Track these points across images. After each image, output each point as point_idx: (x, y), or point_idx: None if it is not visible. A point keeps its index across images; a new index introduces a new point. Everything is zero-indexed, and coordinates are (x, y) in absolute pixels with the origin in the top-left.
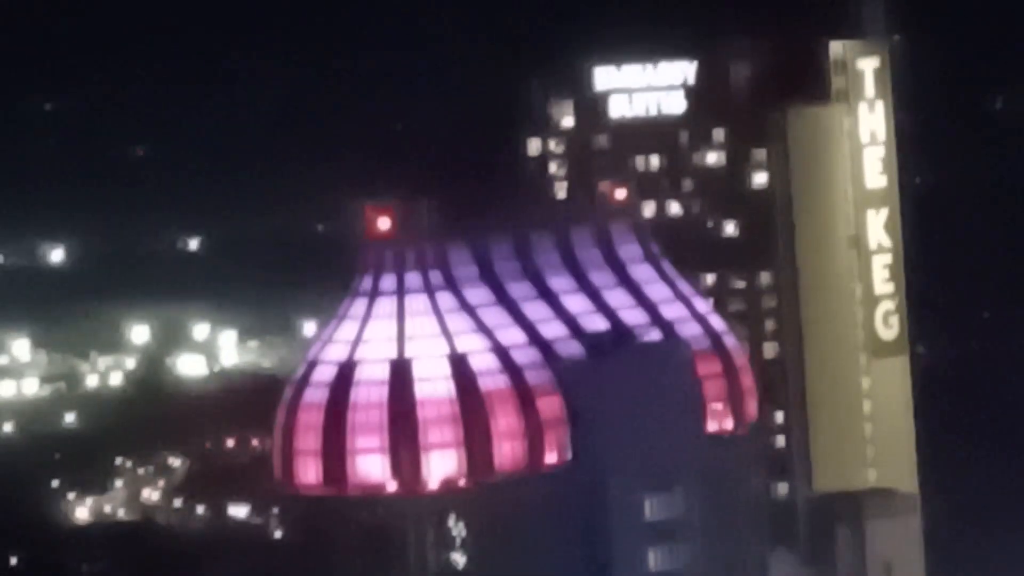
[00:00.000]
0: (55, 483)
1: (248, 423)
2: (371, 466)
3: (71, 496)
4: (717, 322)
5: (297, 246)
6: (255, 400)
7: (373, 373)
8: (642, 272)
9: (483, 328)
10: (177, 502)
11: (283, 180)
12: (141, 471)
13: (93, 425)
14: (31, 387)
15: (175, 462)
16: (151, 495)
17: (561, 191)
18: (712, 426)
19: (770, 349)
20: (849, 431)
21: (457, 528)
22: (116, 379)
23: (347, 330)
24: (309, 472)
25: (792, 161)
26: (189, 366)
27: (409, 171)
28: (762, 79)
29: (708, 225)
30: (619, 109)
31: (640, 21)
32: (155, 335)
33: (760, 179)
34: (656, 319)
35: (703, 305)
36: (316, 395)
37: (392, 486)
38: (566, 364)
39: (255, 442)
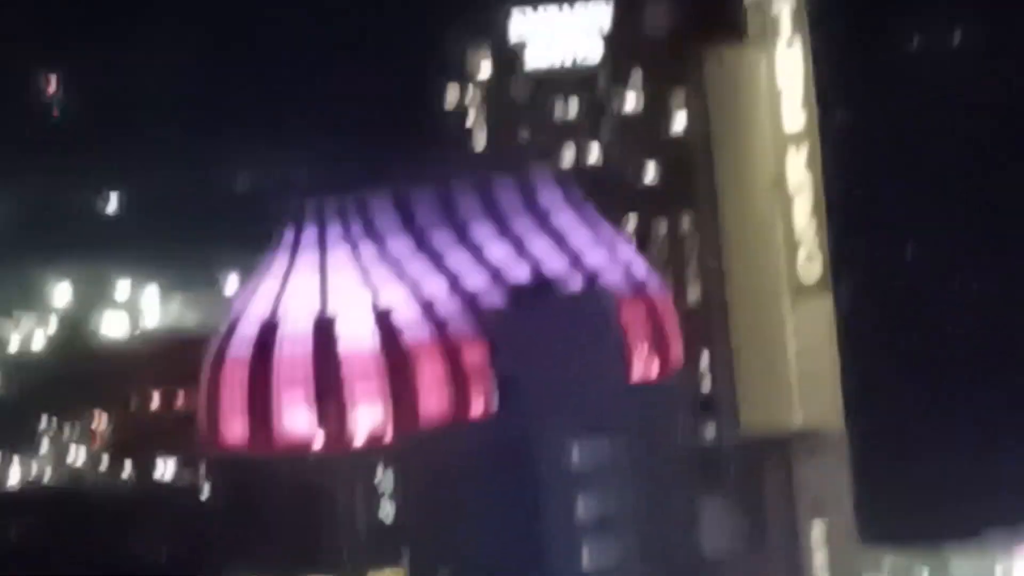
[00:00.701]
0: None
1: (173, 381)
2: (297, 423)
3: None
4: (640, 267)
5: (218, 201)
6: (179, 358)
7: (297, 328)
8: (565, 219)
9: (406, 279)
10: (103, 463)
11: (203, 134)
12: (66, 433)
13: (17, 387)
14: None
15: (100, 423)
16: (77, 457)
17: (481, 140)
18: (638, 372)
19: (694, 293)
20: (774, 373)
21: (386, 482)
22: (39, 340)
23: (270, 285)
24: (235, 430)
25: (711, 103)
26: (112, 325)
27: (329, 122)
28: (679, 21)
29: (629, 170)
30: (536, 54)
31: None
32: (77, 294)
33: (680, 123)
34: (579, 266)
35: (626, 251)
36: (240, 352)
37: (319, 442)
38: (490, 314)
39: (180, 400)
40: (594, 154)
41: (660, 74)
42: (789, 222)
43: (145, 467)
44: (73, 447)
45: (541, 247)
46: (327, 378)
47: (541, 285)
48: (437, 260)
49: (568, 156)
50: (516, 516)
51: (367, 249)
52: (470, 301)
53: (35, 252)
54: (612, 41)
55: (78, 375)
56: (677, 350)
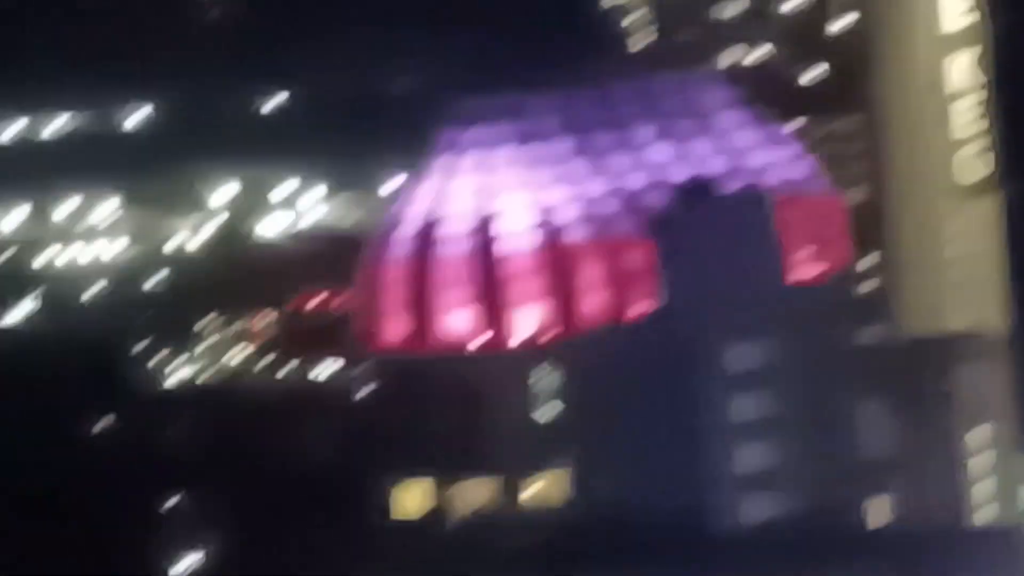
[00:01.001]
0: (141, 346)
1: (333, 281)
2: (456, 322)
3: (157, 358)
4: (802, 168)
5: (378, 101)
6: (338, 258)
7: (458, 228)
8: (726, 120)
9: (566, 180)
10: (263, 361)
11: (364, 34)
12: (227, 331)
13: (178, 287)
14: (117, 248)
15: (260, 322)
16: (237, 355)
17: (642, 40)
18: (799, 273)
19: (856, 194)
20: (936, 275)
21: (545, 384)
22: (199, 240)
23: (431, 185)
24: (394, 330)
25: (876, 2)
26: (271, 225)
27: (490, 23)
28: None
29: (792, 70)
30: None
31: None
32: (238, 195)
33: (844, 22)
34: (740, 167)
35: (788, 152)
36: (399, 252)
37: (478, 343)
38: (651, 215)
39: (339, 300)
40: (757, 54)
41: None
42: (952, 124)
43: (303, 367)
44: (232, 346)
45: (702, 148)
46: (487, 278)
47: (702, 185)
48: (597, 161)
49: (730, 56)
50: (675, 419)
51: (527, 150)
52: (631, 202)
53: (196, 152)
54: None
55: (237, 275)
56: (839, 251)
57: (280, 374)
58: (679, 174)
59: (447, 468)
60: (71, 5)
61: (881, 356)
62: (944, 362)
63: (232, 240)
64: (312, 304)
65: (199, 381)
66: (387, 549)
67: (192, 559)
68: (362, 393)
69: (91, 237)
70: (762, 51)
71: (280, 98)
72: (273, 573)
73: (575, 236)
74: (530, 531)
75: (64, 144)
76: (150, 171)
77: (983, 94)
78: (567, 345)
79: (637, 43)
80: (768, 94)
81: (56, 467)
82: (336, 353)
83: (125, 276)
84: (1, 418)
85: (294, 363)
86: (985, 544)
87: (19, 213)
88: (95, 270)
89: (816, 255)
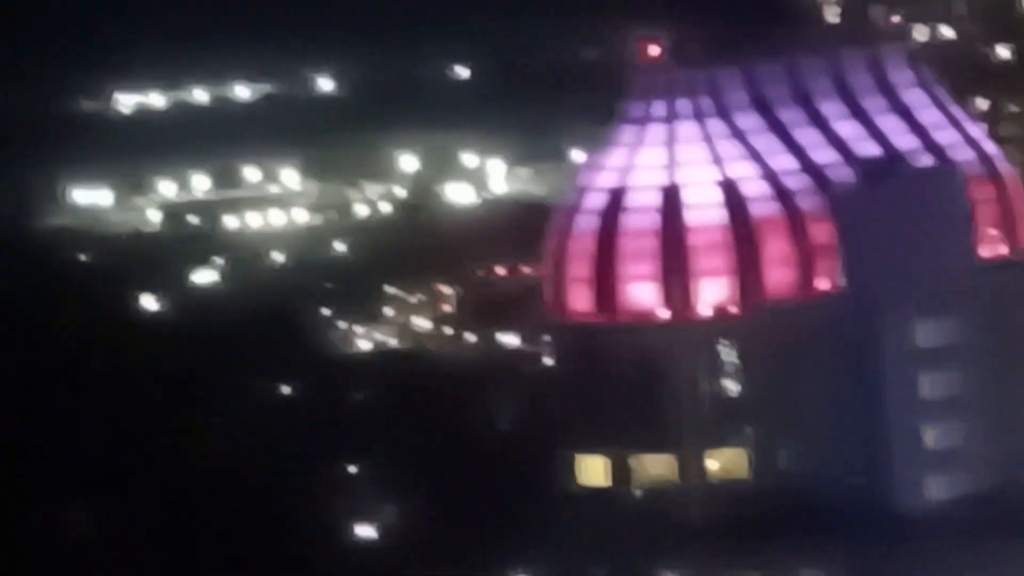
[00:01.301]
0: (326, 312)
1: (518, 251)
2: (642, 293)
3: (342, 325)
4: (990, 147)
5: (565, 73)
6: (525, 228)
7: (644, 200)
8: (914, 97)
9: (754, 154)
10: (447, 330)
11: (550, 5)
12: (411, 300)
13: (363, 254)
14: (301, 216)
15: (445, 291)
16: (422, 323)
17: (832, 17)
18: (985, 252)
19: None
20: None
21: (728, 356)
22: (386, 208)
23: (617, 157)
24: (580, 300)
25: None
26: (458, 194)
27: None
28: None
29: (980, 50)
30: None
31: None
32: (425, 163)
33: None
34: (929, 144)
35: (976, 130)
36: (587, 222)
37: (663, 313)
38: (838, 190)
39: (525, 270)
40: (945, 33)
41: None
42: None
43: (488, 336)
44: (418, 315)
45: (890, 125)
46: (673, 250)
47: (890, 162)
48: (786, 136)
49: (919, 34)
50: (860, 395)
51: (715, 124)
52: (818, 177)
53: (383, 121)
54: None
55: (424, 243)
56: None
57: (465, 343)
58: (867, 150)
59: (630, 440)
60: None
61: None
62: None
63: (418, 209)
64: (499, 273)
65: (384, 348)
66: (569, 519)
67: (374, 525)
68: (548, 363)
69: (278, 203)
70: (950, 29)
71: (468, 67)
72: (454, 541)
73: (761, 211)
74: (712, 505)
75: (253, 111)
76: (338, 138)
77: None
78: (752, 319)
79: (827, 19)
80: (956, 72)
81: (240, 431)
82: (522, 323)
83: (311, 242)
84: (186, 379)
85: (480, 332)
86: None
87: (208, 178)
88: (281, 236)
89: (1002, 233)
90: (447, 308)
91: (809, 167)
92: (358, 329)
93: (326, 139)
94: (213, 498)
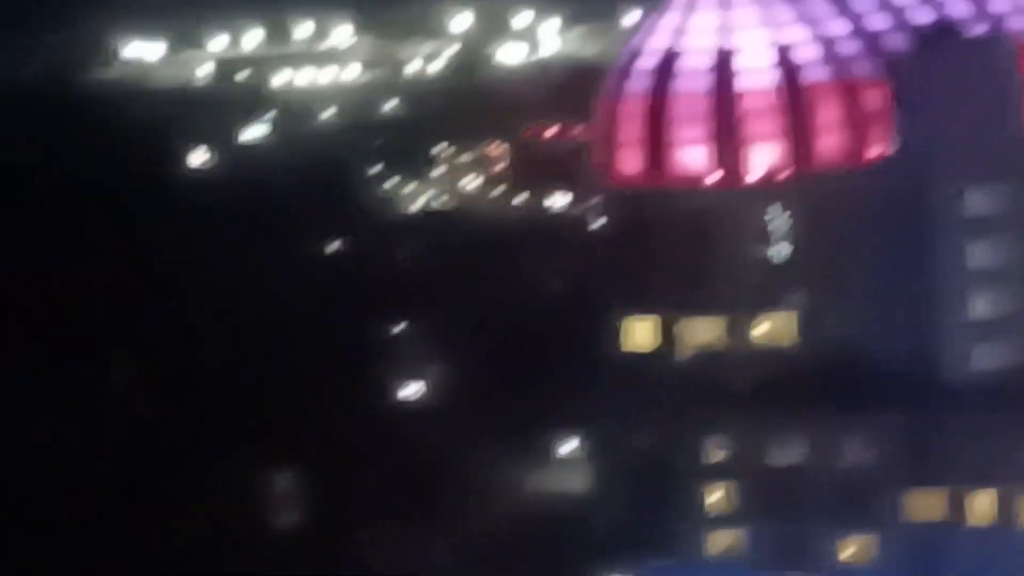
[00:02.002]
0: (375, 170)
1: (568, 112)
2: (693, 157)
3: (391, 183)
4: None
5: None
6: (576, 89)
7: (697, 63)
8: None
9: (807, 19)
10: (496, 191)
11: None
12: (460, 159)
13: (413, 112)
14: (352, 73)
15: (494, 151)
16: (470, 183)
17: None
18: None
19: None
20: None
21: (777, 220)
22: (438, 66)
23: (670, 19)
24: (630, 162)
25: None
26: (510, 54)
27: None
28: None
29: None
30: None
31: None
32: (478, 22)
33: None
34: (983, 11)
35: None
36: (639, 84)
37: (713, 178)
38: (891, 56)
39: (575, 132)
40: None
41: None
42: None
43: (537, 196)
44: (465, 174)
45: None
46: (724, 114)
47: (944, 28)
48: (840, 1)
49: None
50: (908, 262)
51: None
52: (871, 43)
53: None
54: None
55: (473, 103)
56: None
57: (514, 202)
58: (922, 17)
59: (677, 303)
60: None
61: None
62: None
63: (469, 68)
64: (548, 134)
65: (431, 207)
66: (614, 383)
67: (418, 384)
68: (595, 225)
69: (327, 61)
70: None
71: None
72: (499, 403)
73: (814, 76)
74: (759, 370)
75: None
76: None
77: None
78: (802, 185)
79: None
80: None
81: (287, 288)
82: (570, 184)
83: (360, 101)
84: (234, 235)
85: (527, 193)
86: None
87: (257, 34)
88: (330, 94)
89: None
90: (497, 168)
91: (863, 33)
92: (406, 188)
93: None
94: (258, 354)
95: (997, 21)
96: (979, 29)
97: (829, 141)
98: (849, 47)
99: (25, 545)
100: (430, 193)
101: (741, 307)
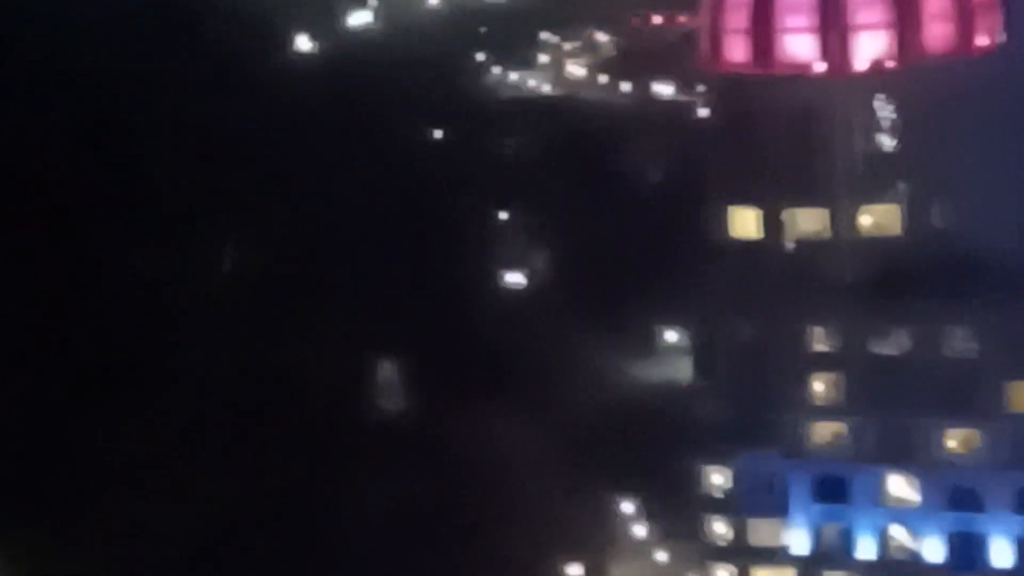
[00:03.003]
0: (480, 57)
1: (676, 1)
2: (800, 45)
3: (496, 71)
4: None
5: None
6: None
7: None
8: None
9: None
10: (602, 79)
11: None
12: (566, 46)
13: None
14: None
15: (601, 38)
16: (576, 71)
17: None
18: None
19: None
20: None
21: (884, 110)
22: None
23: None
24: (737, 50)
25: None
26: None
27: None
28: None
29: None
30: None
31: None
32: None
33: None
34: None
35: None
36: None
37: (821, 66)
38: None
39: (681, 19)
40: None
41: None
42: None
43: (644, 84)
44: (573, 62)
45: None
46: (832, 2)
47: None
48: None
49: None
50: (1015, 153)
51: None
52: None
53: None
54: None
55: None
56: None
57: (621, 90)
58: None
59: (783, 192)
60: None
61: None
62: None
63: None
64: (655, 22)
65: (538, 94)
66: (720, 270)
67: (523, 272)
68: (702, 114)
69: None
70: None
71: None
72: (602, 290)
73: None
74: (862, 260)
75: None
76: None
77: None
78: (909, 74)
79: None
80: None
81: (391, 175)
82: (677, 72)
83: None
84: (339, 122)
85: (634, 81)
86: None
87: None
88: None
89: None
90: (602, 55)
91: None
92: (512, 75)
93: None
94: (367, 240)
95: None
96: None
97: (936, 30)
98: None
99: None
100: (535, 80)
101: (847, 197)
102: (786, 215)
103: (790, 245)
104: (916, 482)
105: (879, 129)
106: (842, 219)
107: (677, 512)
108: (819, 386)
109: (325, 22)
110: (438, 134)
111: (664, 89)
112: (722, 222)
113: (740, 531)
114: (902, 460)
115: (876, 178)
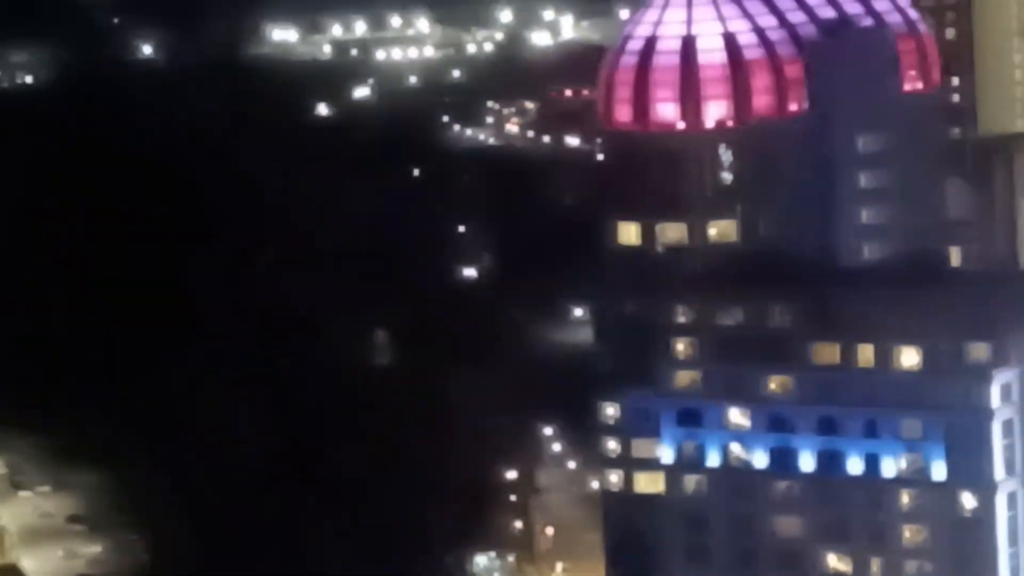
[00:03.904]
0: (444, 119)
1: (581, 79)
2: (667, 110)
3: (456, 127)
4: (913, 13)
5: None
6: (585, 64)
7: (669, 45)
8: None
9: (746, 15)
10: (530, 133)
11: None
12: (505, 111)
13: (471, 79)
14: (428, 52)
15: (529, 105)
16: (512, 128)
17: None
18: (908, 86)
19: (949, 32)
20: (1006, 89)
21: (726, 155)
22: (488, 47)
23: (651, 15)
24: (623, 113)
25: None
26: (539, 38)
27: None
28: None
29: None
30: None
31: None
32: (515, 16)
33: None
34: (869, 10)
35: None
36: (629, 60)
37: (681, 125)
38: (805, 42)
39: (585, 92)
40: None
41: None
42: None
43: (558, 137)
44: (510, 121)
45: None
46: (689, 80)
47: (842, 22)
48: (769, 3)
49: None
50: (816, 185)
51: None
52: (791, 32)
53: None
54: None
55: (514, 72)
56: (935, 72)
57: (542, 141)
58: (826, 14)
59: (656, 211)
60: None
61: (962, 148)
62: (1008, 153)
63: (510, 48)
64: (567, 94)
65: (483, 144)
66: (611, 266)
67: (473, 268)
68: (600, 157)
69: (411, 43)
70: None
71: None
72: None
73: (751, 54)
74: (710, 258)
75: None
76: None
77: None
78: (743, 131)
79: None
80: None
81: (384, 198)
82: (582, 129)
83: (435, 70)
84: (347, 164)
85: (551, 135)
86: None
87: (362, 24)
88: (414, 64)
89: (919, 74)
90: (531, 118)
91: (785, 24)
92: (467, 131)
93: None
94: (363, 242)
95: (878, 17)
96: (866, 22)
97: (762, 100)
98: (775, 34)
99: None
100: (483, 135)
101: (700, 214)
102: (658, 227)
103: (660, 249)
104: (748, 413)
105: (722, 168)
106: (696, 230)
107: (583, 434)
108: (681, 346)
109: (338, 95)
110: (416, 171)
111: (573, 140)
112: (613, 232)
113: (626, 447)
114: (739, 397)
115: (719, 202)
